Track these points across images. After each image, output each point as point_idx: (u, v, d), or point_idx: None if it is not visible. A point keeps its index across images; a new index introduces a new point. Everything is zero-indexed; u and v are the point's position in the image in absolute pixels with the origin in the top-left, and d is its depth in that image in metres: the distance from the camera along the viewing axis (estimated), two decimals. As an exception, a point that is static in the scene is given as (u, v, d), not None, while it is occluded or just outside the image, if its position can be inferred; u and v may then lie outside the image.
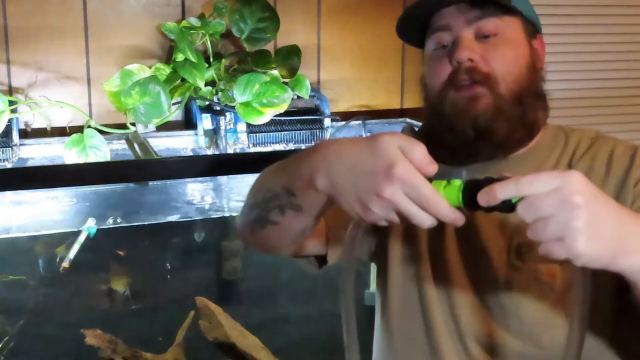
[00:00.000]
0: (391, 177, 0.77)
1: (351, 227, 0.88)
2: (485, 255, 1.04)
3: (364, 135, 1.96)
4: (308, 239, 1.07)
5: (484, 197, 0.76)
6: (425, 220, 0.79)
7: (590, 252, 0.73)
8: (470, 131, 1.01)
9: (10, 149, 1.65)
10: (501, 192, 0.75)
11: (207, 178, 1.77)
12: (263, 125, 1.76)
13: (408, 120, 2.04)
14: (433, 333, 1.07)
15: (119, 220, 1.66)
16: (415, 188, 0.77)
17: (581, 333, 0.81)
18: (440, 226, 0.90)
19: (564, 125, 1.14)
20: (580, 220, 0.72)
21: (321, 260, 1.15)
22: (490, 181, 0.77)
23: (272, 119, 1.74)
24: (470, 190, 0.78)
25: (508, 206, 0.76)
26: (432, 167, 0.79)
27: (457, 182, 0.79)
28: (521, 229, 0.93)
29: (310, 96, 1.85)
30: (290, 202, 0.94)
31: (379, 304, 1.19)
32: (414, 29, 1.11)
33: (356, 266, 0.93)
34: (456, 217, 0.79)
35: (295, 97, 1.82)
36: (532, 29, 1.09)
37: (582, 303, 0.80)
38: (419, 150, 0.79)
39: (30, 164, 1.70)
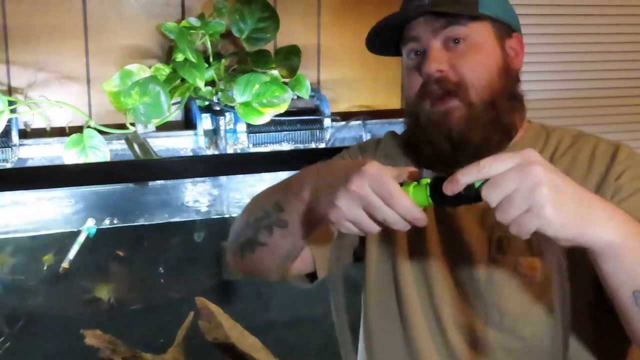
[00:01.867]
0: (361, 172, 0.82)
1: (336, 236, 0.90)
2: (466, 249, 1.05)
3: (364, 136, 1.96)
4: (295, 261, 1.09)
5: (449, 186, 0.78)
6: (390, 216, 0.81)
7: (558, 219, 0.75)
8: (446, 144, 1.04)
9: (10, 149, 1.65)
10: (463, 177, 0.77)
11: (207, 178, 1.77)
12: (263, 125, 1.76)
13: (408, 120, 2.04)
14: (412, 328, 1.08)
15: (115, 221, 1.66)
16: (382, 184, 0.80)
17: (564, 324, 0.81)
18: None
19: (546, 124, 1.15)
20: (544, 187, 0.74)
21: (311, 276, 1.16)
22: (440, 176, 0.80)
23: (272, 119, 1.74)
24: (437, 185, 0.80)
25: (473, 195, 0.78)
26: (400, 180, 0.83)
27: (425, 181, 0.82)
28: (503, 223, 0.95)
29: (310, 96, 1.85)
30: (278, 219, 0.98)
31: (363, 302, 1.19)
32: (390, 40, 1.13)
33: (342, 274, 0.94)
34: (419, 217, 0.81)
35: (295, 97, 1.82)
36: (505, 29, 1.09)
37: (562, 292, 0.81)
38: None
39: (29, 164, 1.69)
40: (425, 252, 1.09)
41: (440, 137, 1.03)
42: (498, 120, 1.04)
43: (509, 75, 1.07)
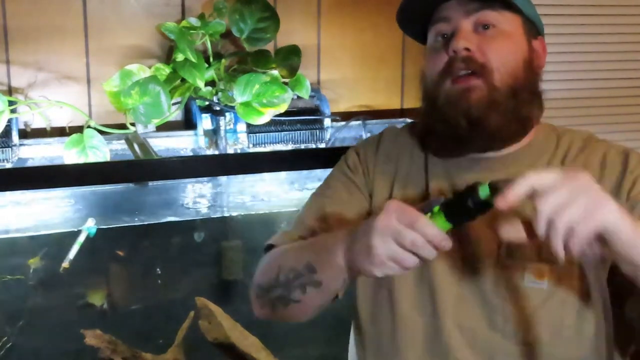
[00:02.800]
0: (386, 210, 0.86)
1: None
2: (475, 253, 1.04)
3: (364, 136, 1.96)
4: None
5: (501, 203, 0.80)
6: (418, 241, 0.84)
7: (616, 214, 0.78)
8: (463, 122, 1.03)
9: (10, 149, 1.65)
10: (513, 193, 0.80)
11: (207, 178, 1.77)
12: (263, 125, 1.76)
13: (408, 120, 2.04)
14: (406, 327, 1.08)
15: (111, 222, 1.66)
16: (405, 212, 0.84)
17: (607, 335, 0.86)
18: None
19: (556, 125, 1.15)
20: (594, 189, 0.78)
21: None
22: (460, 195, 0.83)
23: (272, 119, 1.74)
24: (449, 208, 0.84)
25: (483, 205, 0.82)
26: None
27: (436, 208, 0.85)
28: (513, 227, 0.95)
29: (310, 96, 1.85)
30: (311, 280, 1.00)
31: (358, 296, 1.19)
32: (416, 23, 1.13)
33: None
34: (444, 239, 0.85)
35: (295, 97, 1.82)
36: (533, 29, 1.10)
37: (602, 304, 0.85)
38: None
39: (29, 164, 1.70)
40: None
41: (459, 114, 1.03)
42: (517, 110, 1.05)
43: (533, 71, 1.08)
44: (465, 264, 1.05)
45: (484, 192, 0.82)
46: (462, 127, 1.03)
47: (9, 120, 1.63)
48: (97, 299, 1.81)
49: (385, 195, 1.15)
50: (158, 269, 1.83)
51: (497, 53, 1.04)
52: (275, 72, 1.77)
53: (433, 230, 0.84)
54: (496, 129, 1.03)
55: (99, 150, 1.63)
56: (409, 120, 2.04)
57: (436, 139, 1.11)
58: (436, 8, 1.09)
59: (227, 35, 1.83)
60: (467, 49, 1.03)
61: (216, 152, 1.79)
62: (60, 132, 1.77)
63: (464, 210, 0.83)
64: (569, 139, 1.11)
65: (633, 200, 1.00)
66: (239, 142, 1.80)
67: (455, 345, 1.04)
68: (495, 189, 0.81)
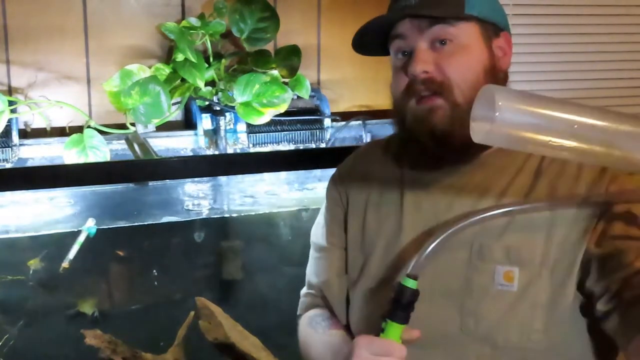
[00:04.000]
0: (358, 347, 0.96)
1: None
2: (446, 254, 1.04)
3: (364, 135, 1.96)
4: None
5: None
6: None
7: None
8: (430, 141, 1.04)
9: (10, 149, 1.65)
10: None
11: (207, 178, 1.77)
12: (263, 125, 1.76)
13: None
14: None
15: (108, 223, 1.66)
16: (376, 345, 0.95)
17: None
18: (398, 222, 1.07)
19: None
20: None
21: None
22: (396, 300, 0.94)
23: (272, 119, 1.74)
24: (395, 314, 0.95)
25: (417, 294, 0.94)
26: None
27: (384, 324, 0.95)
28: (485, 230, 1.00)
29: (310, 96, 1.85)
30: None
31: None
32: (376, 39, 1.14)
33: None
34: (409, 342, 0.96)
35: (295, 97, 1.82)
36: (493, 29, 1.08)
37: None
38: None
39: (29, 164, 1.70)
40: (401, 254, 1.09)
41: (425, 133, 1.04)
42: None
43: (496, 76, 1.07)
44: (436, 267, 1.05)
45: (411, 284, 0.94)
46: (430, 146, 1.05)
47: (9, 120, 1.63)
48: (97, 299, 1.81)
49: (359, 222, 1.17)
50: (158, 269, 1.83)
51: (455, 69, 1.03)
52: (275, 72, 1.77)
53: (402, 350, 0.94)
54: (463, 144, 1.02)
55: (99, 150, 1.63)
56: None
57: (409, 155, 1.13)
58: (392, 25, 1.09)
59: (227, 35, 1.83)
60: (425, 71, 1.04)
61: (216, 152, 1.79)
62: (60, 132, 1.77)
63: (406, 307, 0.94)
64: None
65: (610, 195, 0.99)
66: (239, 142, 1.80)
67: (426, 346, 1.04)
68: (416, 276, 0.94)
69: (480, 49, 1.06)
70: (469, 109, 1.00)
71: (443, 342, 1.04)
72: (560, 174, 1.03)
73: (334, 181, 1.26)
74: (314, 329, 1.21)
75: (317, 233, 1.27)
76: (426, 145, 1.05)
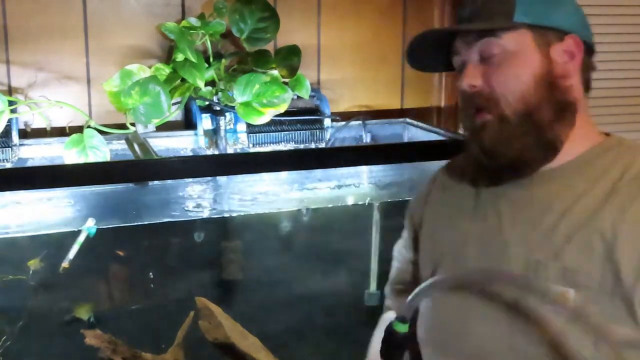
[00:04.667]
0: None
1: None
2: (503, 265, 1.03)
3: (364, 135, 1.96)
4: None
5: None
6: None
7: None
8: (483, 156, 1.04)
9: (10, 149, 1.65)
10: None
11: (207, 178, 1.77)
12: (263, 125, 1.76)
13: (408, 120, 2.04)
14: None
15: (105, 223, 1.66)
16: None
17: None
18: (465, 234, 1.07)
19: (626, 139, 1.07)
20: None
21: None
22: (387, 343, 0.97)
23: (272, 119, 1.74)
24: (389, 354, 0.98)
25: (411, 335, 0.97)
26: None
27: None
28: (541, 247, 0.98)
29: (310, 96, 1.85)
30: None
31: None
32: (439, 55, 1.12)
33: None
34: None
35: (295, 97, 1.82)
36: (554, 34, 1.03)
37: None
38: None
39: (29, 164, 1.69)
40: (467, 264, 1.08)
41: (477, 149, 1.04)
42: (536, 132, 1.01)
43: (552, 84, 1.02)
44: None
45: (401, 329, 0.94)
46: (484, 161, 1.04)
47: (9, 120, 1.63)
48: (96, 300, 1.81)
49: (432, 235, 1.18)
50: (158, 269, 1.83)
51: (502, 81, 1.01)
52: (275, 72, 1.77)
53: None
54: (514, 158, 1.01)
55: (99, 150, 1.63)
56: (408, 120, 2.04)
57: (475, 171, 1.13)
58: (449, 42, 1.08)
59: (227, 35, 1.83)
60: (473, 85, 1.02)
61: (216, 152, 1.79)
62: (60, 132, 1.77)
63: (400, 345, 0.96)
64: (630, 157, 1.01)
65: None
66: (239, 142, 1.80)
67: None
68: (404, 318, 0.95)
69: (531, 58, 1.01)
70: (518, 122, 0.99)
71: (491, 359, 1.03)
72: (637, 198, 0.95)
73: (409, 206, 1.30)
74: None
75: (396, 247, 1.34)
76: (481, 161, 1.04)
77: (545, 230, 0.99)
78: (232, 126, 1.78)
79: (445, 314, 1.09)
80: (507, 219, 1.04)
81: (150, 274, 1.82)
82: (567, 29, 1.04)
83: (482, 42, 1.02)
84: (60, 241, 1.63)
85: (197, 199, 1.76)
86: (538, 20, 1.02)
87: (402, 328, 0.94)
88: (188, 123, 1.88)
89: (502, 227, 1.04)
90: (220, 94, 1.78)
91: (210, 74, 1.76)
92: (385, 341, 0.95)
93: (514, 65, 1.01)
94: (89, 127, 1.69)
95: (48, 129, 1.76)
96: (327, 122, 1.86)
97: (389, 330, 0.94)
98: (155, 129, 1.75)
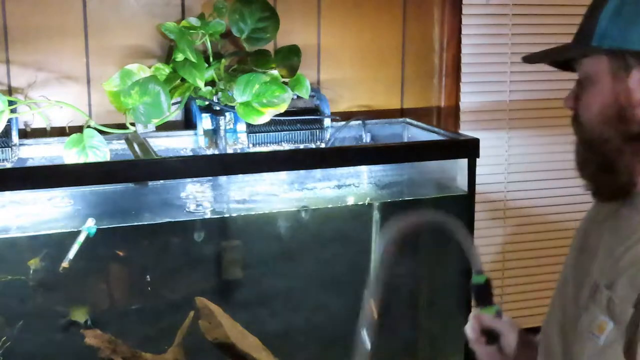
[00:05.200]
0: None
1: None
2: (569, 288, 1.05)
3: (364, 135, 1.96)
4: None
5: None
6: None
7: None
8: (581, 180, 1.04)
9: (10, 149, 1.65)
10: None
11: (207, 178, 1.77)
12: (263, 125, 1.76)
13: (408, 120, 2.04)
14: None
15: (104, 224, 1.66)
16: None
17: None
18: (570, 259, 1.09)
19: None
20: None
21: None
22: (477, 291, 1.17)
23: (272, 119, 1.74)
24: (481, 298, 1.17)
25: (482, 291, 1.16)
26: None
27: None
28: (604, 271, 0.97)
29: (310, 96, 1.85)
30: None
31: None
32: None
33: None
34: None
35: (295, 97, 1.82)
36: (632, 59, 0.94)
37: None
38: None
39: (29, 164, 1.69)
40: (565, 288, 1.08)
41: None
42: (606, 162, 0.98)
43: (624, 116, 0.96)
44: (563, 295, 1.06)
45: (481, 279, 1.14)
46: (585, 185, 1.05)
47: (9, 120, 1.63)
48: (96, 299, 1.81)
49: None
50: (158, 269, 1.83)
51: (582, 106, 1.00)
52: (275, 72, 1.77)
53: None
54: (593, 183, 1.01)
55: (99, 150, 1.63)
56: (408, 120, 2.04)
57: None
58: None
59: (227, 35, 1.83)
60: (570, 107, 1.03)
61: (216, 152, 1.79)
62: (60, 132, 1.77)
63: (487, 295, 1.16)
64: None
65: None
66: (239, 142, 1.79)
67: None
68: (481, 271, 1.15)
69: (605, 85, 0.96)
70: (591, 149, 0.99)
71: None
72: None
73: None
74: None
75: None
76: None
77: (615, 258, 0.96)
78: (232, 126, 1.78)
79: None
80: (603, 250, 1.01)
81: (155, 271, 1.82)
82: None
83: (576, 66, 1.02)
84: (60, 241, 1.63)
85: (197, 198, 1.76)
86: (617, 43, 0.95)
87: (482, 279, 1.14)
88: (188, 123, 1.88)
89: (598, 258, 1.01)
90: (220, 93, 1.78)
91: (210, 73, 1.76)
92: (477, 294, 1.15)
93: (590, 94, 0.99)
94: (88, 127, 1.69)
95: (48, 129, 1.76)
96: (327, 122, 1.86)
97: (475, 288, 1.15)
98: (155, 129, 1.75)
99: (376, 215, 1.94)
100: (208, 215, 1.75)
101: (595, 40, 0.96)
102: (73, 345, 1.71)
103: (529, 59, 1.08)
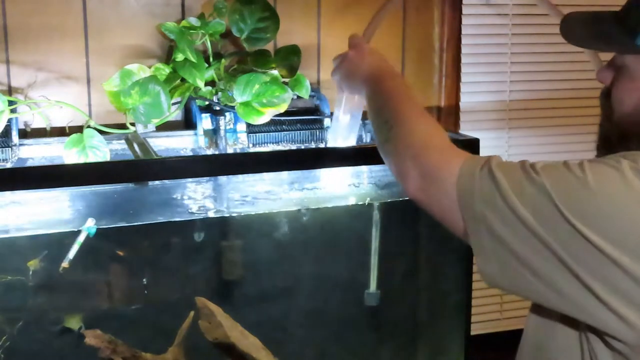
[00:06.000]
0: None
1: None
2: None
3: (364, 135, 1.96)
4: None
5: None
6: None
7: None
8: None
9: (10, 149, 1.65)
10: None
11: (207, 178, 1.77)
12: (263, 125, 1.76)
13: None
14: None
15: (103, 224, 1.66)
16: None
17: None
18: None
19: None
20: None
21: None
22: None
23: (272, 119, 1.74)
24: None
25: None
26: None
27: None
28: None
29: (310, 96, 1.85)
30: None
31: None
32: None
33: None
34: None
35: (295, 97, 1.82)
36: None
37: None
38: None
39: (29, 164, 1.69)
40: None
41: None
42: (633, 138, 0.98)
43: None
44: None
45: None
46: None
47: (9, 120, 1.63)
48: (96, 300, 1.81)
49: None
50: (158, 269, 1.83)
51: (615, 94, 1.01)
52: (275, 72, 1.77)
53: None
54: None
55: (99, 150, 1.63)
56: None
57: None
58: None
59: (227, 35, 1.83)
60: (602, 82, 1.04)
61: (216, 152, 1.79)
62: (60, 132, 1.77)
63: None
64: None
65: None
66: (239, 142, 1.80)
67: None
68: None
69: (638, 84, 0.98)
70: (618, 138, 0.99)
71: None
72: None
73: None
74: None
75: None
76: None
77: None
78: (232, 126, 1.79)
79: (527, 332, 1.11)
80: None
81: (154, 271, 1.82)
82: None
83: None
84: (60, 241, 1.63)
85: (197, 198, 1.77)
86: None
87: None
88: (188, 123, 1.88)
89: None
90: (220, 93, 1.78)
91: (210, 73, 1.76)
92: None
93: (626, 87, 0.99)
94: (88, 127, 1.69)
95: (48, 129, 1.76)
96: (327, 122, 1.86)
97: None
98: (155, 129, 1.75)
99: (376, 215, 1.94)
100: (208, 215, 1.75)
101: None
102: (73, 345, 1.71)
103: (569, 36, 1.09)
